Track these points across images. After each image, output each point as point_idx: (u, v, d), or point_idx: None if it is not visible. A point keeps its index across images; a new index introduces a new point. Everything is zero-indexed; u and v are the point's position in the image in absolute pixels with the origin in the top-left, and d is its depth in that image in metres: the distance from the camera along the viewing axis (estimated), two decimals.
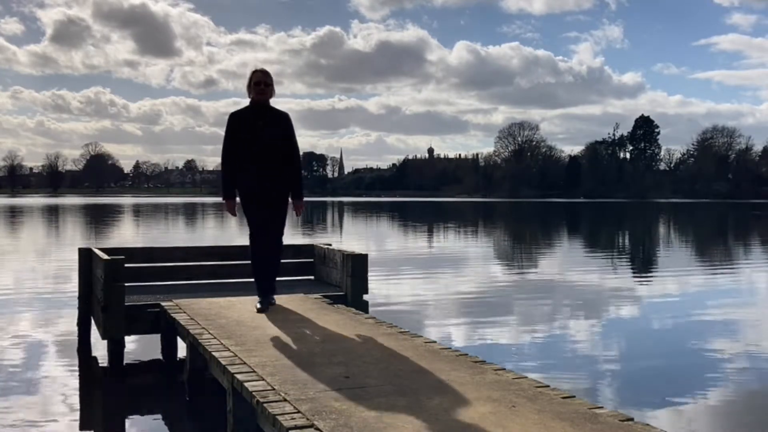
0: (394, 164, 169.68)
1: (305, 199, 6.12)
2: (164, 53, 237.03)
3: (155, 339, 6.43)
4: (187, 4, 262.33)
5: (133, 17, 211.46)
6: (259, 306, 5.83)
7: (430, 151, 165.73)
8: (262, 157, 5.78)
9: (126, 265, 6.09)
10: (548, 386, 3.61)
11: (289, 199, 6.02)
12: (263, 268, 5.99)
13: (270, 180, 5.82)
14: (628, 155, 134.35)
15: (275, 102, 6.05)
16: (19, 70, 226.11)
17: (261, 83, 5.84)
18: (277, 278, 6.22)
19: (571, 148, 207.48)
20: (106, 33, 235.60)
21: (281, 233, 6.06)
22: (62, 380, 5.91)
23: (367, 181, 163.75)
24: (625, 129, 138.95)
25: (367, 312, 6.29)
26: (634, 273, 15.03)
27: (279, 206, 5.94)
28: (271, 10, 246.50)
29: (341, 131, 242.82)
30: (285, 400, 3.31)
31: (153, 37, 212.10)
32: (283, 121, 5.94)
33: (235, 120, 5.88)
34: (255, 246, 5.99)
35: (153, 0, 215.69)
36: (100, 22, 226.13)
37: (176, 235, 25.40)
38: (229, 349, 4.36)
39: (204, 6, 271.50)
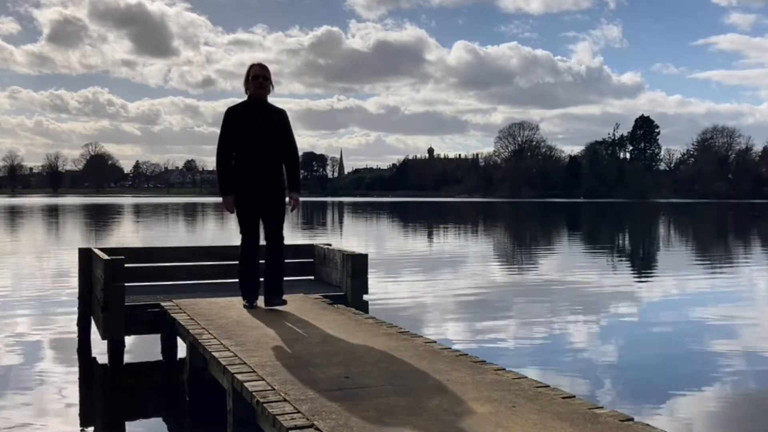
0: (394, 164, 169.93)
1: (301, 199, 6.02)
2: (162, 53, 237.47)
3: (155, 339, 6.43)
4: (183, 3, 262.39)
5: (130, 17, 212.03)
6: (245, 304, 5.88)
7: (430, 151, 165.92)
8: (260, 154, 5.69)
9: (126, 265, 6.08)
10: (548, 386, 3.61)
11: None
12: (250, 273, 5.91)
13: (269, 177, 5.74)
14: (628, 155, 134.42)
15: (272, 100, 5.95)
16: (17, 69, 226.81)
17: (259, 77, 5.73)
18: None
19: (570, 148, 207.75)
20: (102, 33, 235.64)
21: (281, 230, 5.97)
22: (62, 380, 5.91)
23: (367, 181, 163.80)
24: (624, 129, 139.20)
25: (367, 312, 6.29)
26: (633, 273, 15.03)
27: (278, 203, 5.85)
28: (268, 9, 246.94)
29: (340, 131, 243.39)
30: (285, 400, 3.30)
31: (150, 36, 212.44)
32: (281, 117, 5.86)
33: (233, 115, 5.76)
34: (246, 251, 5.90)
35: None
36: (97, 22, 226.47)
37: (176, 235, 25.40)
38: (229, 349, 4.36)
39: (201, 6, 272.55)
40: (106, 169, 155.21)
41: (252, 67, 5.80)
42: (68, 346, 7.08)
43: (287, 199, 5.94)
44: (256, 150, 5.69)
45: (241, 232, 5.94)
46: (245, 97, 5.86)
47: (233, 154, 5.74)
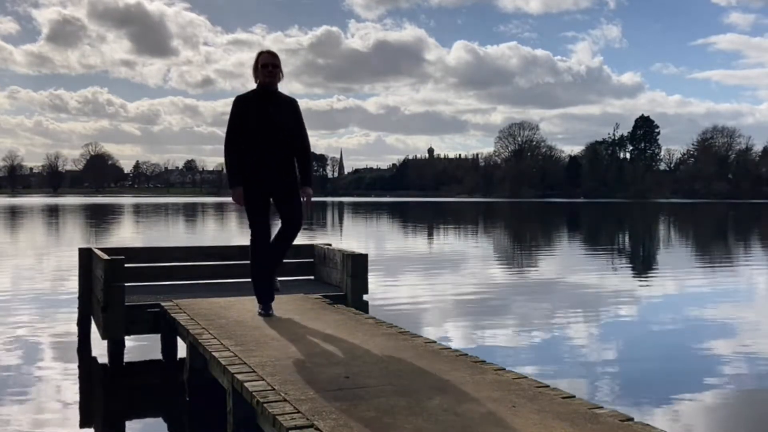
0: (394, 164, 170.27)
1: (314, 199, 5.84)
2: (161, 53, 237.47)
3: (155, 339, 6.43)
4: (182, 3, 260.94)
5: (129, 17, 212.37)
6: (260, 311, 5.60)
7: (430, 151, 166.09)
8: (269, 142, 5.44)
9: (126, 265, 6.08)
10: (548, 386, 3.61)
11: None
12: (264, 272, 5.63)
13: (279, 167, 5.48)
14: (628, 155, 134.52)
15: None
16: (16, 69, 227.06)
17: (269, 65, 5.47)
18: (278, 279, 6.02)
19: (570, 148, 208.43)
20: (101, 33, 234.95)
21: (301, 219, 5.64)
22: (62, 380, 5.91)
23: (367, 181, 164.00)
24: (624, 129, 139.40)
25: (367, 312, 6.29)
26: (633, 273, 15.03)
27: (291, 194, 5.57)
28: (268, 9, 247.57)
29: (340, 131, 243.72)
30: (285, 400, 3.30)
31: (149, 36, 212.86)
32: (291, 106, 5.62)
33: (241, 104, 5.50)
34: (257, 246, 5.60)
35: None
36: (96, 22, 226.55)
37: (176, 235, 25.40)
38: (229, 349, 4.36)
39: (200, 5, 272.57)
40: (106, 169, 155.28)
41: (261, 54, 5.56)
42: (68, 346, 7.08)
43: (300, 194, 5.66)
44: (265, 139, 5.44)
45: (251, 226, 5.63)
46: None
47: (242, 146, 5.46)
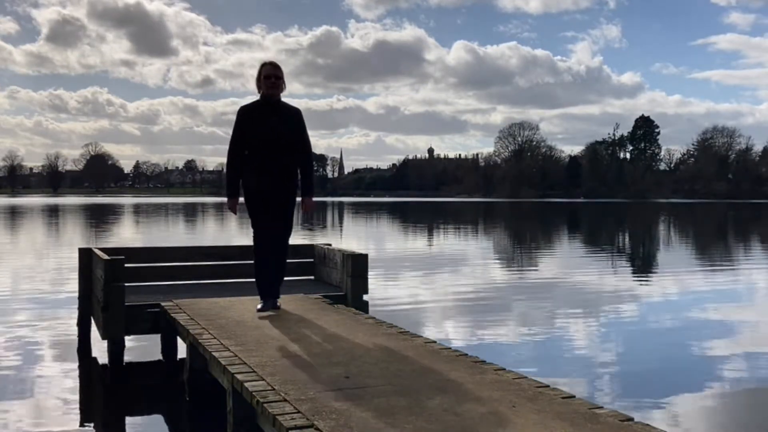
0: (394, 164, 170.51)
1: (314, 199, 5.97)
2: (160, 53, 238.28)
3: (155, 339, 6.43)
4: (182, 3, 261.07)
5: (128, 17, 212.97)
6: (259, 307, 5.71)
7: (430, 151, 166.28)
8: (271, 154, 5.54)
9: (126, 265, 6.09)
10: (548, 386, 3.61)
11: (298, 199, 5.83)
12: (266, 271, 5.78)
13: (281, 178, 5.60)
14: (628, 155, 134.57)
15: None
16: (15, 69, 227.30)
17: (272, 76, 5.60)
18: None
19: (570, 148, 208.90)
20: (101, 32, 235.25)
21: (288, 233, 5.85)
22: (62, 380, 5.91)
23: (367, 181, 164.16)
24: (624, 129, 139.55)
25: (367, 312, 6.29)
26: (633, 273, 15.03)
27: (287, 205, 5.72)
28: (267, 9, 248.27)
29: (340, 131, 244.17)
30: (285, 400, 3.31)
31: (149, 36, 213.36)
32: (295, 116, 5.71)
33: (245, 115, 5.62)
34: (259, 247, 5.76)
35: None
36: (95, 22, 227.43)
37: (176, 235, 25.40)
38: (229, 349, 4.36)
39: (200, 5, 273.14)
40: (106, 169, 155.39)
41: (264, 66, 5.68)
42: (68, 346, 7.08)
43: (299, 200, 5.81)
44: (268, 150, 5.54)
45: (253, 229, 5.79)
46: (248, 98, 5.80)
47: (245, 154, 5.61)
